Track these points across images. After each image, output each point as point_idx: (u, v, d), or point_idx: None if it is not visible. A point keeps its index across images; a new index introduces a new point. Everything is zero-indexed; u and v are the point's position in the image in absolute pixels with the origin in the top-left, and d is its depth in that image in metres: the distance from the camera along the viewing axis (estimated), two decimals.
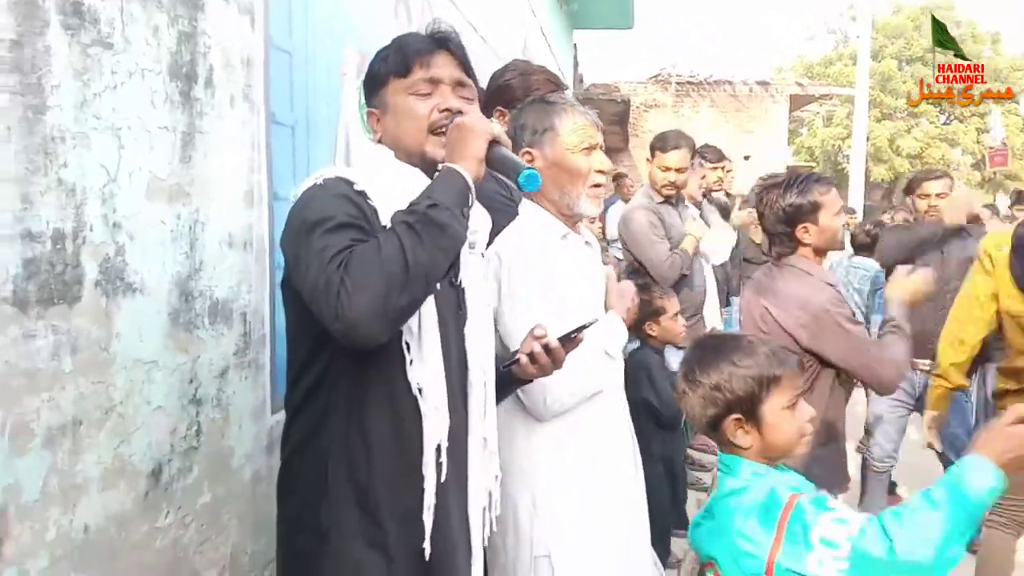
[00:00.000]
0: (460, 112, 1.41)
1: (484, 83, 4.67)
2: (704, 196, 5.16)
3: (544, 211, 1.89)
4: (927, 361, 3.78)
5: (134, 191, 1.61)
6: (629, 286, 2.70)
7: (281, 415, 1.82)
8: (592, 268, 2.00)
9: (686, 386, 1.55)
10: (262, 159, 2.09)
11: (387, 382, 1.34)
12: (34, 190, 1.37)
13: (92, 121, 1.50)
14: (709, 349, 1.57)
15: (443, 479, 1.36)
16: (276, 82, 2.16)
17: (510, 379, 1.58)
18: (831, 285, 2.47)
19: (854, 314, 2.54)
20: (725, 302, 5.34)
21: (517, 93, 2.29)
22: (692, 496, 4.48)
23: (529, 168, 1.34)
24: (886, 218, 9.26)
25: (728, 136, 12.75)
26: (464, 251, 1.43)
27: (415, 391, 1.35)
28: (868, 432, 5.61)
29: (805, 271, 2.45)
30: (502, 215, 1.90)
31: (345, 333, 1.19)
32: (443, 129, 1.40)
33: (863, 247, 5.28)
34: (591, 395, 1.77)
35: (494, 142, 1.34)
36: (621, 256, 4.14)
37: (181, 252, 1.78)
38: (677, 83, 13.84)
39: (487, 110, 2.48)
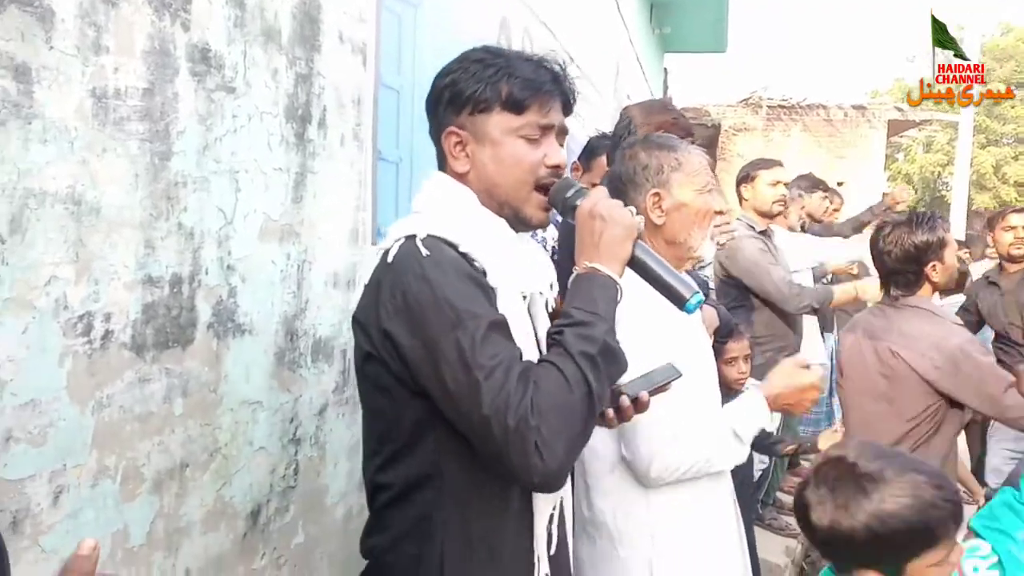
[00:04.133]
0: (564, 168, 1.25)
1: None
2: (802, 227, 4.98)
3: None
4: None
5: (248, 233, 1.62)
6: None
7: None
8: (698, 316, 1.90)
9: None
10: (368, 197, 2.09)
11: None
12: (156, 235, 1.38)
13: (212, 165, 1.51)
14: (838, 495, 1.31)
15: (553, 551, 1.26)
16: (384, 120, 2.16)
17: None
18: (959, 325, 2.38)
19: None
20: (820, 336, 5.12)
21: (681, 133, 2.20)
22: (781, 542, 4.29)
23: (696, 291, 1.17)
24: (962, 254, 8.68)
25: (820, 161, 12.34)
26: (540, 305, 1.29)
27: None
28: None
29: (931, 311, 2.40)
30: None
31: (539, 486, 1.09)
32: (548, 185, 1.23)
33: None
34: (706, 474, 1.65)
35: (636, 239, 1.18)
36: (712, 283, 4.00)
37: (289, 292, 1.78)
38: (768, 106, 13.50)
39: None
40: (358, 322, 1.18)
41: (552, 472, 1.03)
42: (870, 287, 3.66)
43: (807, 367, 1.73)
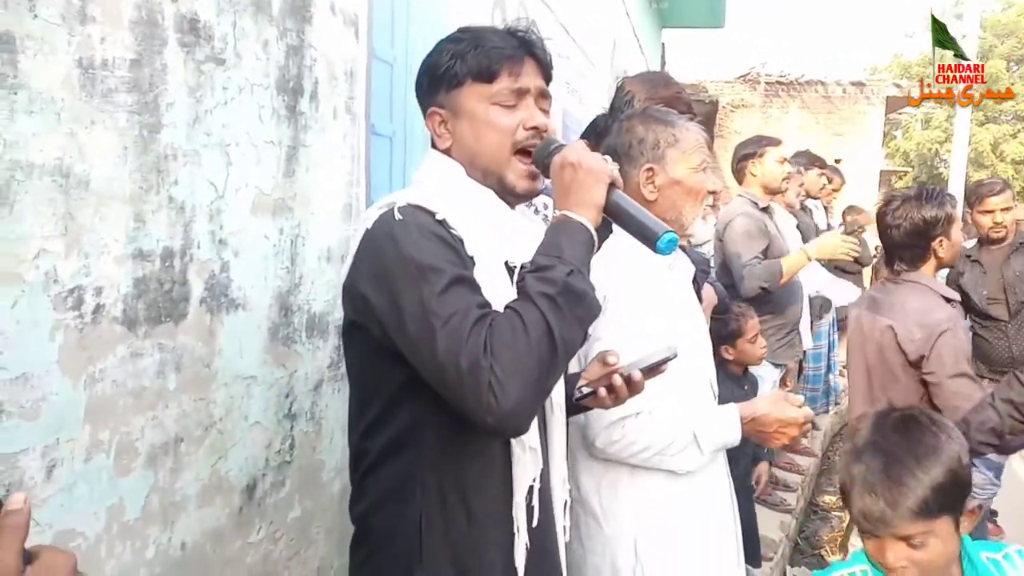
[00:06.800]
0: (546, 129, 1.27)
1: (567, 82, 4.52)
2: (801, 206, 4.97)
3: None
4: None
5: (240, 207, 1.61)
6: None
7: None
8: (691, 293, 1.89)
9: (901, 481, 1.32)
10: (361, 171, 2.07)
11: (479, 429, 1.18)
12: (146, 208, 1.37)
13: (203, 138, 1.49)
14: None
15: (535, 523, 1.25)
16: (377, 93, 2.14)
17: (573, 408, 1.42)
18: (951, 301, 2.39)
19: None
20: (818, 315, 5.13)
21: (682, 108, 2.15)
22: (776, 517, 4.32)
23: (669, 230, 1.15)
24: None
25: (818, 138, 12.26)
26: None
27: None
28: None
29: (928, 286, 2.42)
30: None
31: (495, 427, 1.05)
32: (529, 148, 1.26)
33: None
34: (658, 468, 1.61)
35: (611, 185, 1.17)
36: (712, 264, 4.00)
37: (282, 267, 1.77)
38: (766, 83, 13.39)
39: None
40: (345, 289, 1.21)
41: (507, 412, 1.03)
42: (821, 244, 3.67)
43: (800, 405, 1.66)
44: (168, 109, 1.40)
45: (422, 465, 1.18)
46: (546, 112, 1.30)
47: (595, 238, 1.15)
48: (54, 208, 1.18)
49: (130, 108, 1.31)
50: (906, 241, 2.40)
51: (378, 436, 1.20)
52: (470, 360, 1.02)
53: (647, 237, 1.16)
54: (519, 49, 1.26)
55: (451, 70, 1.25)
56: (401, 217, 1.14)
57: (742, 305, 3.38)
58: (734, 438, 1.64)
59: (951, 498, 1.30)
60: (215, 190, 1.53)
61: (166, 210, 1.41)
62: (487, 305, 1.10)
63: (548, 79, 1.31)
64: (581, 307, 1.10)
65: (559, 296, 1.07)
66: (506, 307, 1.09)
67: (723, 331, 3.14)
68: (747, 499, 3.39)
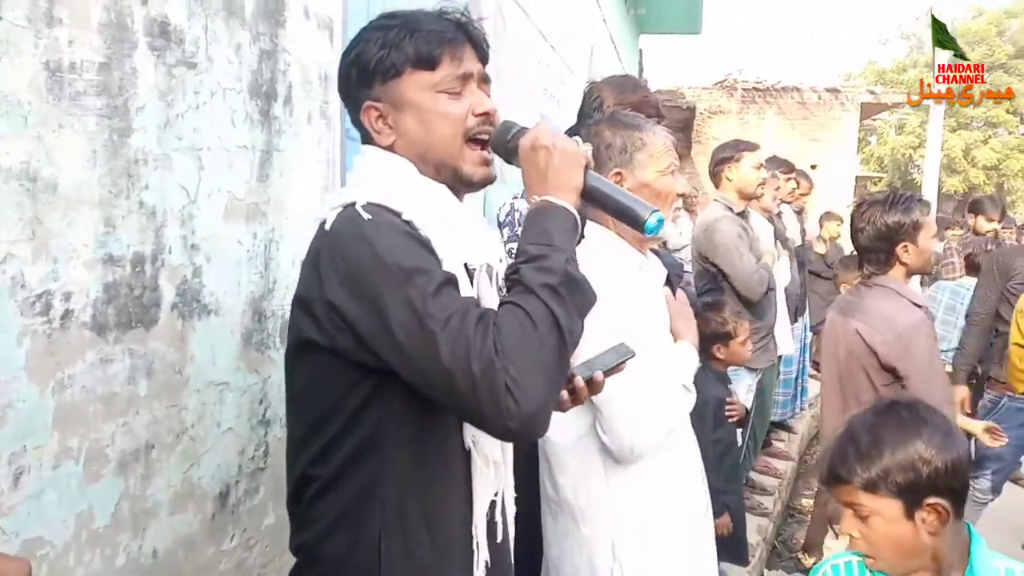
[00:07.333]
0: (495, 114, 1.18)
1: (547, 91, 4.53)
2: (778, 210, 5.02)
3: (616, 237, 1.77)
4: None
5: (212, 212, 1.60)
6: (683, 297, 2.60)
7: None
8: (659, 296, 1.91)
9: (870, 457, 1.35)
10: (336, 176, 2.07)
11: (443, 440, 1.13)
12: (116, 213, 1.36)
13: (174, 142, 1.48)
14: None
15: (498, 539, 1.20)
16: None
17: None
18: (920, 307, 2.42)
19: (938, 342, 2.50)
20: (793, 319, 5.18)
21: (651, 111, 2.17)
22: (753, 521, 4.35)
23: (655, 210, 1.10)
24: (949, 234, 8.77)
25: (794, 144, 12.41)
26: (486, 279, 1.17)
27: (468, 445, 1.15)
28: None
29: (896, 291, 2.43)
30: None
31: (516, 432, 0.98)
32: (480, 137, 1.17)
33: (979, 268, 4.68)
34: (670, 431, 1.70)
35: (585, 167, 1.11)
36: (689, 268, 4.03)
37: (256, 272, 1.76)
38: (743, 89, 13.53)
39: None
40: (300, 301, 1.10)
41: (528, 415, 0.95)
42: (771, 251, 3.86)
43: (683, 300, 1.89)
44: (138, 113, 1.39)
45: (382, 483, 1.09)
46: (489, 97, 1.21)
47: (579, 223, 1.09)
48: (21, 212, 1.17)
49: (99, 112, 1.30)
50: (871, 245, 2.43)
51: (332, 458, 1.10)
52: (483, 364, 0.94)
53: (633, 218, 1.11)
54: (458, 32, 1.17)
55: (385, 60, 1.13)
56: (369, 216, 1.03)
57: (737, 307, 3.45)
58: (696, 361, 1.81)
59: (898, 485, 1.32)
60: (187, 195, 1.52)
61: (136, 215, 1.40)
62: (480, 304, 1.03)
63: (485, 61, 1.22)
64: (580, 296, 1.04)
65: (561, 286, 1.00)
66: (505, 302, 1.01)
67: (719, 331, 3.18)
68: (737, 497, 3.42)
